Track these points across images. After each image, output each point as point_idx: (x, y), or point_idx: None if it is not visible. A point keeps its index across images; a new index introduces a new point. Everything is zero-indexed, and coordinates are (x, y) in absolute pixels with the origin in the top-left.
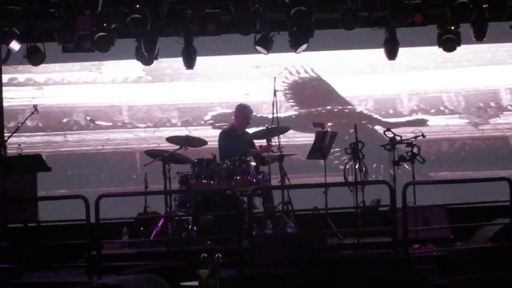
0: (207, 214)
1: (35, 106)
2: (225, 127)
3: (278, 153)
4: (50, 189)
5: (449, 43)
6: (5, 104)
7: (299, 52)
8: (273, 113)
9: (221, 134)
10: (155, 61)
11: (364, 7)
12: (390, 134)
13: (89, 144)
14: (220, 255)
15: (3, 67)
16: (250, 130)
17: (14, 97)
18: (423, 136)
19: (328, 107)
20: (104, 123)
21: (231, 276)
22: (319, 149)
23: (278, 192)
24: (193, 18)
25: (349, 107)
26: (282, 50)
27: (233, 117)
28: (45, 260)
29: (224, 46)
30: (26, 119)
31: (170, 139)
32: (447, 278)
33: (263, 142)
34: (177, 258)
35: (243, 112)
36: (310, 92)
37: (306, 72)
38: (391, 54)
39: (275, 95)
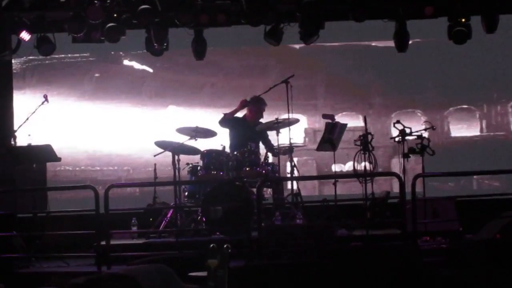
0: (216, 205)
1: (45, 96)
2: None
3: (288, 145)
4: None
5: (459, 36)
6: None
7: (309, 44)
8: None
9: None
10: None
11: None
12: (399, 126)
13: None
14: (229, 246)
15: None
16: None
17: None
18: (433, 128)
19: (338, 98)
20: None
21: (240, 266)
22: (329, 141)
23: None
24: (203, 8)
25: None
26: (292, 42)
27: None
28: (55, 250)
29: (234, 37)
30: (36, 109)
31: (180, 130)
32: (456, 270)
33: (273, 133)
34: (185, 248)
35: (257, 105)
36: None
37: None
38: (401, 46)
39: (286, 86)
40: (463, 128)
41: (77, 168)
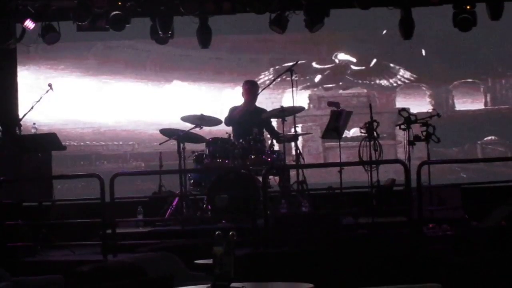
0: (222, 194)
1: (50, 85)
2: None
3: (293, 133)
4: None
5: (464, 23)
6: None
7: (314, 32)
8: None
9: (230, 109)
10: None
11: None
12: (405, 114)
13: None
14: (235, 233)
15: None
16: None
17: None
18: (439, 115)
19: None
20: None
21: (245, 254)
22: (334, 129)
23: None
24: None
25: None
26: (297, 30)
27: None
28: (61, 239)
29: (240, 26)
30: (41, 98)
31: (184, 118)
32: (461, 257)
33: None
34: (191, 237)
35: (246, 86)
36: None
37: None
38: (407, 34)
39: (291, 74)
40: (468, 102)
41: (82, 143)
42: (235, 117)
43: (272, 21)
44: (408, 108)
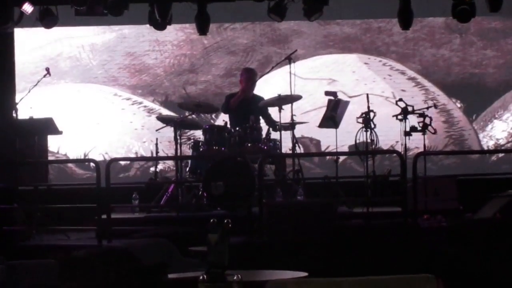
0: (218, 181)
1: (47, 69)
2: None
3: (290, 121)
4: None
5: (463, 14)
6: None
7: (313, 20)
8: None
9: (226, 97)
10: None
11: None
12: (402, 104)
13: None
14: (229, 221)
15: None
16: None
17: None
18: (435, 106)
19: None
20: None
21: (240, 242)
22: (331, 118)
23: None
24: None
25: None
26: (296, 18)
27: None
28: (56, 223)
29: (238, 13)
30: (38, 82)
31: (182, 105)
32: (456, 248)
33: (275, 110)
34: (186, 223)
35: (246, 75)
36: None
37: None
38: (405, 24)
39: (289, 62)
40: None
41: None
42: (232, 105)
43: (270, 9)
44: None
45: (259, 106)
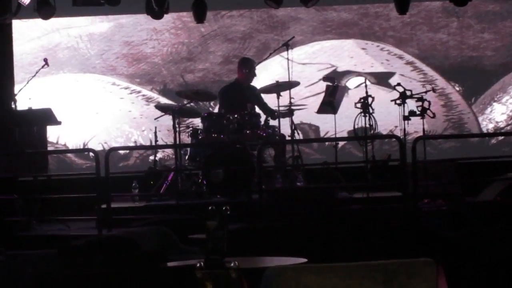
0: (217, 168)
1: (45, 60)
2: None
3: (288, 107)
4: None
5: None
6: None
7: (310, 6)
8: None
9: (218, 93)
10: None
11: None
12: (400, 89)
13: None
14: (228, 207)
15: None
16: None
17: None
18: (434, 90)
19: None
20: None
21: (239, 228)
22: (329, 103)
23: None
24: None
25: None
26: (292, 5)
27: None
28: (56, 213)
29: (235, 0)
30: (36, 73)
31: (180, 93)
32: (456, 232)
33: (273, 96)
34: (186, 211)
35: (247, 66)
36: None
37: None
38: (402, 9)
39: (287, 49)
40: None
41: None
42: (229, 99)
43: None
44: None
45: (255, 94)
